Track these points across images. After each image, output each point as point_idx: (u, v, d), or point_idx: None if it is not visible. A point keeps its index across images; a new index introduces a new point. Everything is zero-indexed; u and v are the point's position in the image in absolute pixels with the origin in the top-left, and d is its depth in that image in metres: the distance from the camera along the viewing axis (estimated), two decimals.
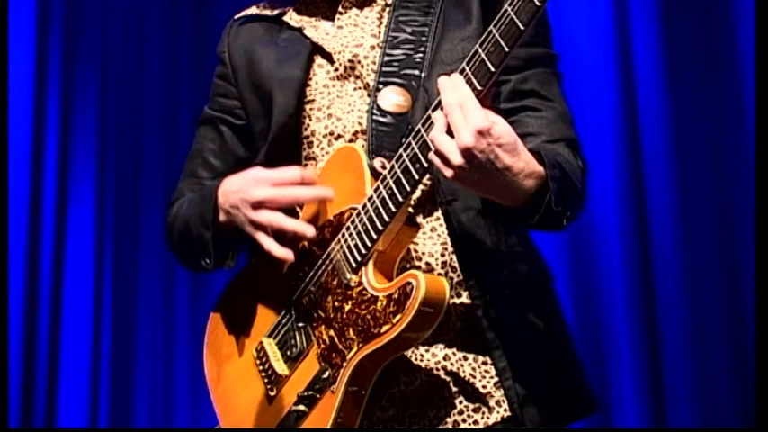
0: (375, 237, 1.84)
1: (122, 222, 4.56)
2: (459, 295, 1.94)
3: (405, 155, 1.81)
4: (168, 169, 4.51)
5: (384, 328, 1.78)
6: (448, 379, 1.92)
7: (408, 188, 1.80)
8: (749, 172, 3.46)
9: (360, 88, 2.03)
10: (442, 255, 1.96)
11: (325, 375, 1.86)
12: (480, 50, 1.71)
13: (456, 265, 1.95)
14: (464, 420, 1.90)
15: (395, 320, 1.77)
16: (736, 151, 3.61)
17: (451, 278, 1.94)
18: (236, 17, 2.26)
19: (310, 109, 2.06)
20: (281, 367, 1.96)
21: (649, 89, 3.80)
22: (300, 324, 1.96)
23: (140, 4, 4.76)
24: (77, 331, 4.41)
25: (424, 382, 1.92)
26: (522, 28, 1.66)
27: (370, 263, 1.86)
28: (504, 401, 1.90)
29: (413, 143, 1.79)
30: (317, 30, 2.12)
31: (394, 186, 1.82)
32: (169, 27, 4.75)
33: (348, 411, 1.82)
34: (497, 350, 1.90)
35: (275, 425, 1.93)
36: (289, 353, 1.96)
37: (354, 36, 2.08)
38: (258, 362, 2.01)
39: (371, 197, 1.86)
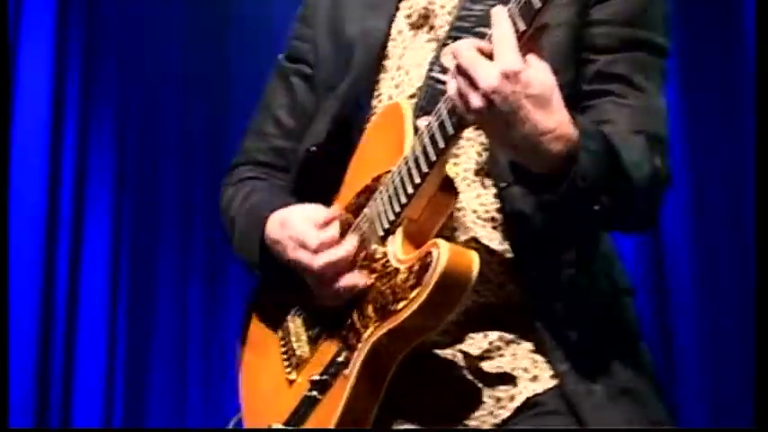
0: (405, 201, 1.63)
1: (139, 221, 4.58)
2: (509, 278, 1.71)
3: (443, 107, 1.58)
4: (186, 166, 4.55)
5: (400, 305, 1.54)
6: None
7: (442, 144, 1.57)
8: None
9: (433, 40, 1.82)
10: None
11: (341, 358, 1.66)
12: None
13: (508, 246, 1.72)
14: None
15: (411, 296, 1.53)
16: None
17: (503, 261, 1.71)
18: None
19: (383, 60, 1.86)
20: (301, 349, 1.79)
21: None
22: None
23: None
24: (93, 331, 4.42)
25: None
26: None
27: (399, 232, 1.63)
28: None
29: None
30: None
31: (428, 143, 1.60)
32: (188, 30, 4.77)
33: (361, 400, 1.60)
34: (547, 337, 1.68)
35: (290, 412, 1.74)
36: (311, 333, 1.79)
37: None
38: (282, 342, 1.85)
39: (406, 157, 1.65)
